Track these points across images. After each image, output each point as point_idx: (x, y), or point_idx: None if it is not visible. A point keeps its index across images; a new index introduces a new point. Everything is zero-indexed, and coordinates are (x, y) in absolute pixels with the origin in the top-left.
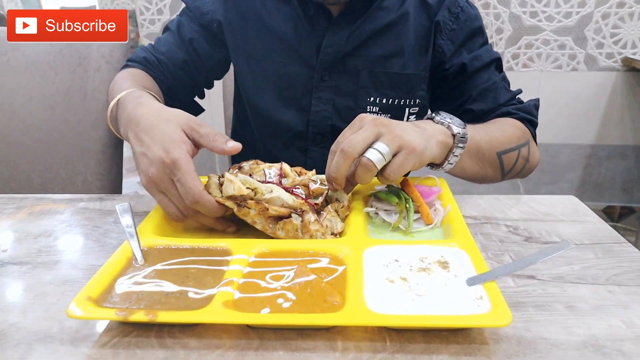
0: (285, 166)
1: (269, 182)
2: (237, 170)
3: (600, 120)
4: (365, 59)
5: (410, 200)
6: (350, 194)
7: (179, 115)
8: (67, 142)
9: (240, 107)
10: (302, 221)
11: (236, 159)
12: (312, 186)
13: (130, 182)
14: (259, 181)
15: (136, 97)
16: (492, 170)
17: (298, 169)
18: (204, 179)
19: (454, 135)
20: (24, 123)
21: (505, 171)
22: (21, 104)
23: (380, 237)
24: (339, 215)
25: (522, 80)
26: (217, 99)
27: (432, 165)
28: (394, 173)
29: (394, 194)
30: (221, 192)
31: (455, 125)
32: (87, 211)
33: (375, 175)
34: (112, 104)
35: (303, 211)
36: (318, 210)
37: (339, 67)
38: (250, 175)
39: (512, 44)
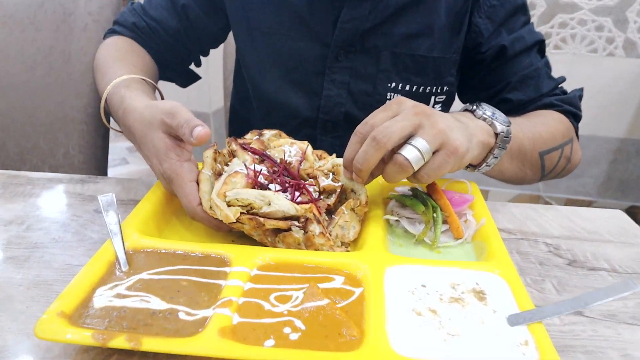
0: (309, 149)
1: (275, 178)
2: (257, 136)
3: (634, 112)
4: (387, 37)
5: (439, 209)
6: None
7: (155, 115)
8: (48, 108)
9: (240, 83)
10: (305, 233)
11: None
12: (323, 182)
13: (119, 147)
14: (269, 174)
15: (122, 97)
16: (531, 172)
17: (319, 152)
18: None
19: (496, 134)
20: (0, 83)
21: (545, 172)
22: None
23: (401, 251)
24: (355, 213)
25: (551, 62)
26: (216, 65)
27: (468, 166)
28: (428, 176)
29: (420, 200)
30: (216, 172)
31: (500, 122)
32: (67, 196)
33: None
34: (102, 100)
35: (307, 220)
36: (330, 211)
37: (356, 46)
38: (265, 151)
39: (545, 21)
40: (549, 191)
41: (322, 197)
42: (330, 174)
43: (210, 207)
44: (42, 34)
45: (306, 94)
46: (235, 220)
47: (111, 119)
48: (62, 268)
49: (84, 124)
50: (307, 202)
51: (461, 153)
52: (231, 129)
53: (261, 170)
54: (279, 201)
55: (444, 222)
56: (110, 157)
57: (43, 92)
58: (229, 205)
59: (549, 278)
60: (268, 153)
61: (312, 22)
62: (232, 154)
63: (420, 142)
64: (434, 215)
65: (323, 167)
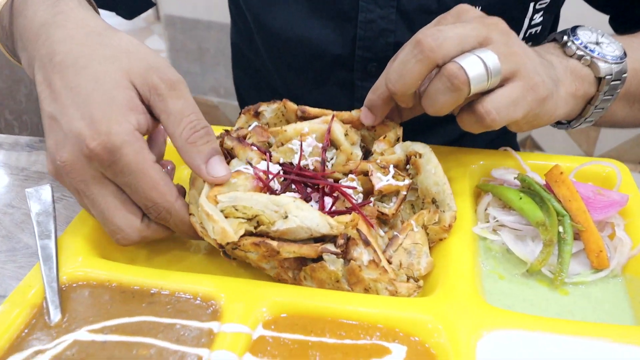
0: (336, 126)
1: (287, 177)
2: (255, 123)
3: None
4: None
5: (567, 217)
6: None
7: (134, 52)
8: None
9: (238, 12)
10: (345, 264)
11: (263, 73)
12: (379, 183)
13: None
14: (281, 167)
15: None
16: None
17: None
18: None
19: (599, 79)
20: None
21: None
22: None
23: (501, 288)
24: (428, 235)
25: None
26: None
27: (558, 123)
28: (496, 111)
29: (535, 199)
30: None
31: (606, 59)
32: (2, 170)
33: (460, 110)
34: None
35: (349, 240)
36: (386, 221)
37: None
38: (269, 145)
39: None
40: None
41: (372, 199)
42: (391, 170)
43: (201, 223)
44: None
45: (335, 22)
46: (237, 239)
47: None
48: None
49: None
50: (346, 212)
51: (542, 94)
52: (236, 73)
53: (279, 171)
54: (301, 212)
55: (576, 238)
56: None
57: None
58: (225, 217)
59: None
60: (273, 152)
61: None
62: (230, 154)
63: (488, 54)
64: (560, 228)
65: (380, 156)
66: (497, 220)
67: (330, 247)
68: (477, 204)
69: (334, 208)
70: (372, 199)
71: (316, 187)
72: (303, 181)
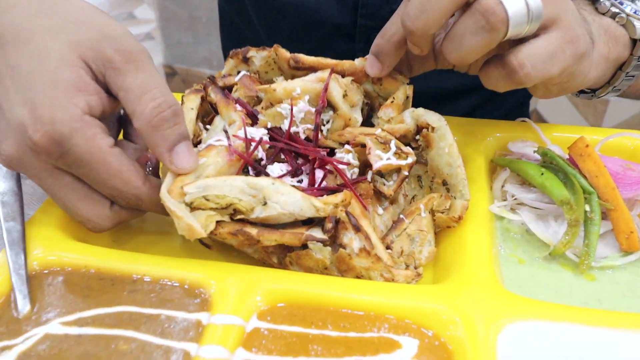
0: (334, 87)
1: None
2: (243, 71)
3: None
4: None
5: (595, 195)
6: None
7: (85, 21)
8: None
9: None
10: (334, 250)
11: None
12: (378, 162)
13: None
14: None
15: None
16: None
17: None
18: None
19: (634, 42)
20: None
21: None
22: None
23: (522, 274)
24: (435, 222)
25: None
26: None
27: (581, 92)
28: (531, 64)
29: (559, 175)
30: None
31: None
32: None
33: (485, 62)
34: None
35: (338, 224)
36: (389, 200)
37: None
38: (258, 100)
39: None
40: None
41: (370, 176)
42: (393, 146)
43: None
44: None
45: None
46: (206, 235)
47: None
48: None
49: None
50: (338, 189)
51: (581, 49)
52: (225, 43)
53: (261, 138)
54: (281, 196)
55: (603, 217)
56: None
57: None
58: (194, 209)
59: None
60: (260, 114)
61: None
62: (213, 108)
63: None
64: (586, 207)
65: (385, 124)
66: (515, 198)
67: (316, 233)
68: (492, 180)
69: (324, 184)
70: (369, 174)
71: (308, 158)
72: (293, 150)
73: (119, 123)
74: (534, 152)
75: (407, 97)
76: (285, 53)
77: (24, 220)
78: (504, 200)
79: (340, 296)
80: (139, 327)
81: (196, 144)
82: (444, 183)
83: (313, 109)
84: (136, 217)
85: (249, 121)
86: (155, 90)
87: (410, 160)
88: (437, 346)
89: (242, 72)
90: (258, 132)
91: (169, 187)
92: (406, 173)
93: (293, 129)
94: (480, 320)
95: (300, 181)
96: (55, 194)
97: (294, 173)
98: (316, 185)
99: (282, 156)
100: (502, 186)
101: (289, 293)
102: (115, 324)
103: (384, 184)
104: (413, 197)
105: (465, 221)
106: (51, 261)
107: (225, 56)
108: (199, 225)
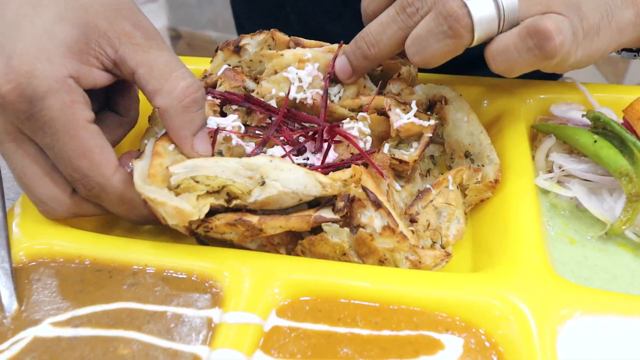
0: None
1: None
2: (229, 64)
3: None
4: None
5: None
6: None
7: (99, 8)
8: None
9: None
10: (353, 232)
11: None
12: (399, 120)
13: None
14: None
15: None
16: None
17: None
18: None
19: None
20: None
21: None
22: None
23: (574, 255)
24: (465, 198)
25: None
26: None
27: (622, 51)
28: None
29: (614, 142)
30: None
31: None
32: None
33: (503, 38)
34: None
35: (352, 202)
36: (401, 174)
37: None
38: (246, 89)
39: None
40: None
41: (388, 145)
42: (413, 107)
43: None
44: None
45: None
46: (201, 220)
47: None
48: None
49: None
50: (347, 162)
51: (552, 48)
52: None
53: (240, 127)
54: (280, 173)
55: None
56: None
57: None
58: (179, 194)
59: None
60: (253, 94)
61: None
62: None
63: None
64: None
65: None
66: (563, 170)
67: (326, 213)
68: (534, 149)
69: (333, 158)
70: (386, 146)
71: (311, 134)
72: (298, 121)
73: (105, 101)
74: (583, 116)
75: (412, 78)
76: (283, 36)
77: (4, 205)
78: (549, 171)
79: (370, 288)
80: (141, 327)
81: None
82: (467, 155)
83: (322, 75)
84: (96, 216)
85: (218, 109)
86: (183, 69)
87: (432, 122)
88: (487, 349)
89: (224, 67)
90: (227, 121)
91: (146, 172)
92: (429, 135)
93: (300, 95)
94: (536, 316)
95: (307, 159)
96: (13, 163)
97: (299, 152)
98: (322, 159)
99: (282, 137)
100: (547, 156)
101: (312, 284)
102: (113, 324)
103: (405, 153)
104: (428, 172)
105: (506, 197)
106: (39, 251)
107: (236, 14)
108: (190, 206)
